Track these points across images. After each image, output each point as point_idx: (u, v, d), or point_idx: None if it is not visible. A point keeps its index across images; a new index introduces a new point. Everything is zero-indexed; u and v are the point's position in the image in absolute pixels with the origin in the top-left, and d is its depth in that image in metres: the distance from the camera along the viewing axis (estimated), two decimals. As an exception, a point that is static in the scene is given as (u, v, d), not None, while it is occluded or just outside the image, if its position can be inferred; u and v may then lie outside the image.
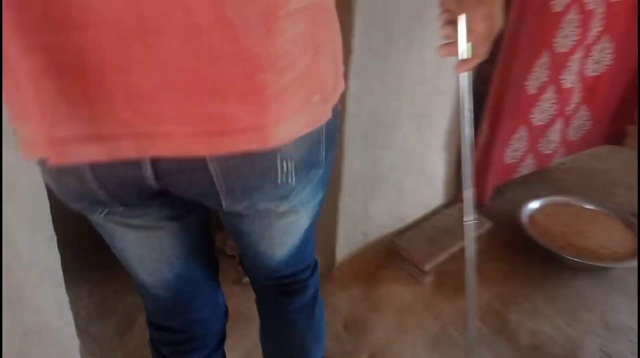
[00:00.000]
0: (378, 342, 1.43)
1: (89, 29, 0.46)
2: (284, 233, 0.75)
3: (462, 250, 1.66)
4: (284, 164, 0.57)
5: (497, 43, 1.66)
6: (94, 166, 0.56)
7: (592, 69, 2.07)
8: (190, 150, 0.52)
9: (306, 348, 0.99)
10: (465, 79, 0.82)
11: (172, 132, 0.51)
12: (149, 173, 0.56)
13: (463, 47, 0.73)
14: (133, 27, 0.46)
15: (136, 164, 0.55)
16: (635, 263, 1.64)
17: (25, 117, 0.52)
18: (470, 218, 0.94)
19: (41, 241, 0.99)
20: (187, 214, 0.73)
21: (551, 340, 1.45)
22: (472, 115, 0.86)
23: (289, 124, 0.54)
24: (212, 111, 0.50)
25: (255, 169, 0.57)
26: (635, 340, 1.45)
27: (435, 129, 1.73)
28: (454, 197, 1.95)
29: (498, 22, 0.70)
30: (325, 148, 0.63)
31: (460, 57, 0.75)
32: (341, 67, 0.63)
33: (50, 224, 1.00)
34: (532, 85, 1.88)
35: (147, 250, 0.74)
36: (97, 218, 0.67)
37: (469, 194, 0.92)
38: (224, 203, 0.61)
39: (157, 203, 0.66)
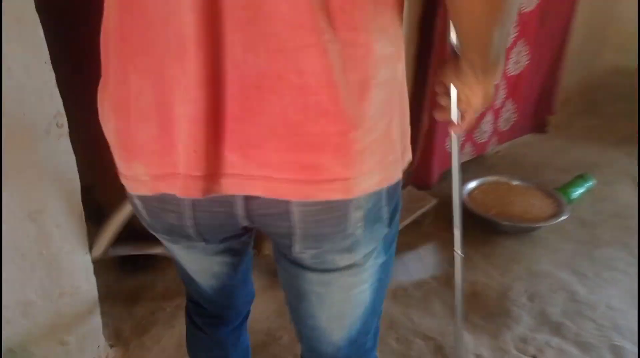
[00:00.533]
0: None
1: (225, 84, 0.53)
2: (343, 299, 0.73)
3: (410, 224, 2.00)
4: (355, 214, 0.60)
5: (429, 49, 2.01)
6: (194, 204, 0.63)
7: (513, 69, 2.45)
8: (283, 194, 0.57)
9: None
10: (455, 138, 1.01)
11: (270, 177, 0.56)
12: (240, 211, 0.62)
13: (456, 114, 0.88)
14: (253, 85, 0.53)
15: (230, 203, 0.62)
16: (553, 222, 2.01)
17: (161, 157, 0.59)
18: (459, 251, 1.11)
19: (73, 215, 1.23)
20: (244, 245, 0.82)
21: (487, 287, 1.78)
22: (460, 167, 1.05)
23: (367, 179, 0.58)
24: (308, 161, 0.55)
25: (331, 217, 0.60)
26: (554, 283, 1.80)
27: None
28: (404, 182, 2.28)
29: (490, 98, 0.79)
30: (387, 205, 0.65)
31: (454, 120, 0.90)
32: (408, 137, 0.66)
33: (80, 202, 1.24)
34: (463, 84, 2.24)
35: (203, 268, 0.85)
36: (176, 247, 0.77)
37: (458, 231, 1.12)
38: (295, 247, 0.65)
39: (231, 240, 0.75)
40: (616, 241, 2.05)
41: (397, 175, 0.63)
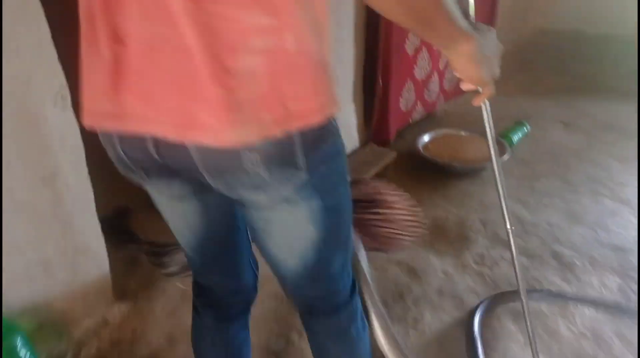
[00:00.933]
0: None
1: (129, 44, 0.65)
2: (284, 233, 0.81)
3: (375, 176, 2.22)
4: (248, 155, 0.67)
5: (377, 17, 2.22)
6: (120, 139, 0.75)
7: (452, 33, 2.71)
8: (169, 135, 0.67)
9: None
10: (484, 108, 0.99)
11: (161, 120, 0.66)
12: (151, 147, 0.72)
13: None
14: (148, 46, 0.64)
15: (144, 139, 0.72)
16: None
17: (105, 98, 0.71)
18: (509, 225, 1.17)
19: (81, 179, 1.36)
20: (207, 193, 0.83)
21: (447, 220, 2.03)
22: (494, 140, 1.05)
23: (238, 131, 0.64)
24: (187, 110, 0.64)
25: (222, 154, 0.67)
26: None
27: (343, 86, 2.26)
28: (365, 140, 2.50)
29: (473, 72, 0.80)
30: (304, 154, 0.69)
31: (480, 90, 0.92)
32: (317, 99, 0.68)
33: (86, 166, 1.37)
34: (409, 48, 2.47)
35: (176, 216, 0.91)
36: (140, 183, 0.85)
37: (503, 203, 1.16)
38: (207, 179, 0.73)
39: (178, 178, 0.80)
40: (552, 173, 2.36)
41: (278, 133, 0.66)
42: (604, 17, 3.67)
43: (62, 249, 1.38)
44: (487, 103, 0.99)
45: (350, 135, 2.41)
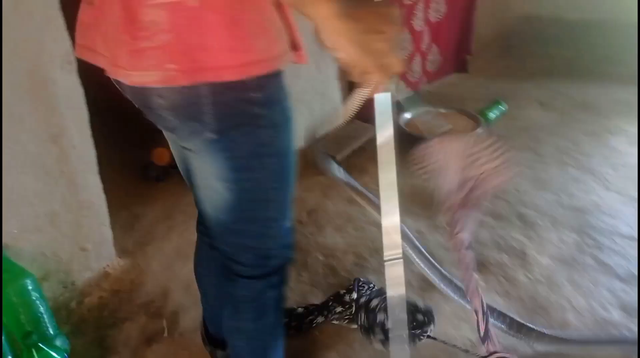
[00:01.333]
0: (311, 204, 2.08)
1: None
2: (199, 178, 0.89)
3: (357, 150, 2.37)
4: (156, 99, 0.76)
5: None
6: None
7: (434, 15, 2.85)
8: (110, 72, 0.79)
9: (230, 329, 1.08)
10: (378, 102, 0.75)
11: (107, 59, 0.77)
12: (115, 82, 0.83)
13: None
14: (108, 2, 0.75)
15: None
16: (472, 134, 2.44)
17: (86, 35, 0.85)
18: (394, 253, 0.75)
19: (85, 139, 1.51)
20: None
21: (424, 188, 2.17)
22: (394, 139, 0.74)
23: (142, 75, 0.73)
24: (115, 52, 0.75)
25: (138, 93, 0.78)
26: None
27: (328, 64, 2.40)
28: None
29: (340, 46, 0.66)
30: (211, 112, 0.75)
31: None
32: (233, 56, 0.71)
33: (89, 128, 1.51)
34: (392, 29, 2.61)
35: (172, 144, 1.03)
36: None
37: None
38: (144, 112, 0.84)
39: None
40: (523, 146, 2.51)
41: (181, 82, 0.71)
42: (583, 3, 3.81)
43: (67, 204, 1.52)
44: (384, 96, 0.74)
45: (335, 111, 2.55)
